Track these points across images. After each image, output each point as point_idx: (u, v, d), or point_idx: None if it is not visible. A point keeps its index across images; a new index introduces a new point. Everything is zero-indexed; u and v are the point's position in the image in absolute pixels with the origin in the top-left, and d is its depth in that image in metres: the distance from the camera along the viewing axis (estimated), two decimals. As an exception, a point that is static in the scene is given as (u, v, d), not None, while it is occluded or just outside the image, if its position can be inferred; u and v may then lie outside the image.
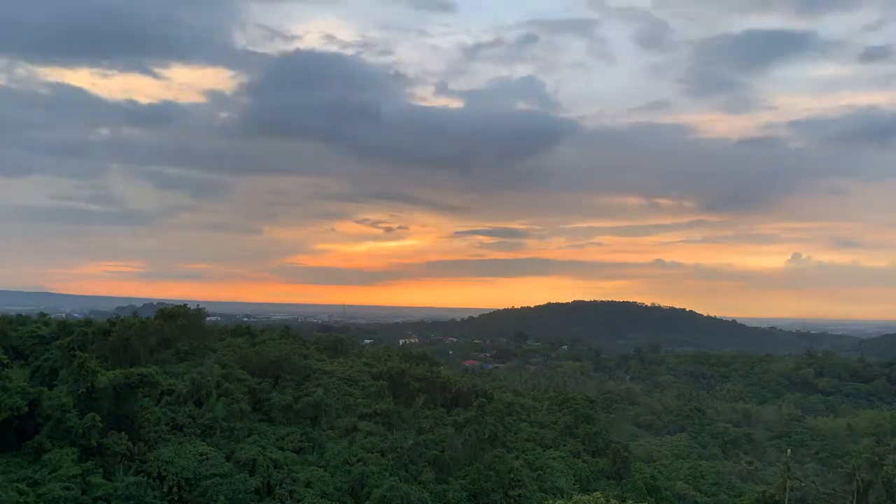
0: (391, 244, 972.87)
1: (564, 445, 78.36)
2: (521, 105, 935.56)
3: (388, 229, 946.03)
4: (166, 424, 52.56)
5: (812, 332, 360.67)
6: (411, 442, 62.44)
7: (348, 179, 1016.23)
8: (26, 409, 44.08)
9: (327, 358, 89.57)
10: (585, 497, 31.32)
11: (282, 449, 56.19)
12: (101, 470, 43.22)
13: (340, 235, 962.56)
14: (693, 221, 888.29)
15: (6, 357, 47.68)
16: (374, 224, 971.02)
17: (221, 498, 44.89)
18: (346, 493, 52.91)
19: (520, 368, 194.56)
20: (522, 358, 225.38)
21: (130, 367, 56.38)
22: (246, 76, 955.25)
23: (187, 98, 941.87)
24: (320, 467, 55.05)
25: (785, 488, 63.62)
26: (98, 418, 44.56)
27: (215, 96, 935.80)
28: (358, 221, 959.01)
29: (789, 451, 77.31)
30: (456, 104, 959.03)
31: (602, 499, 30.99)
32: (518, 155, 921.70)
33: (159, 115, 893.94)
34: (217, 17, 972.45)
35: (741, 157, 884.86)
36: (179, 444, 50.14)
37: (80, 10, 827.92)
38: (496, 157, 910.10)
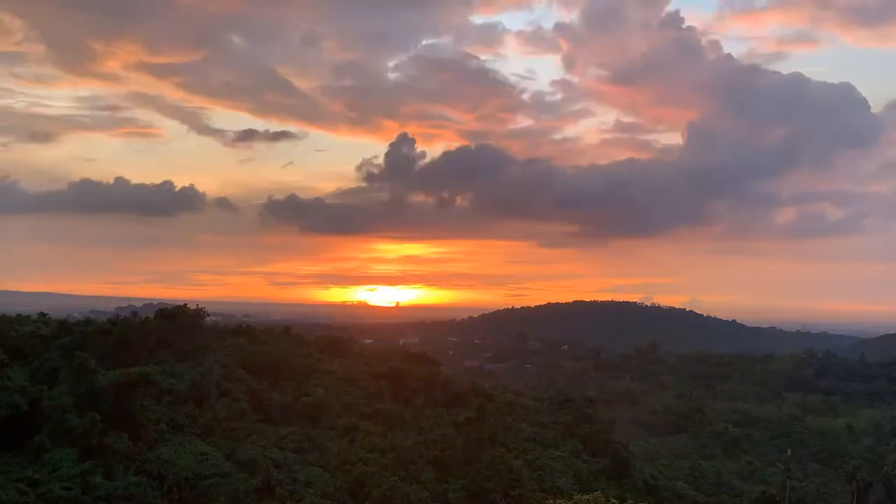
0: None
1: (564, 445, 78.38)
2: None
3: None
4: (166, 424, 52.55)
5: (812, 332, 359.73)
6: (411, 442, 62.50)
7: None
8: (26, 408, 44.11)
9: (327, 358, 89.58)
10: (585, 497, 31.35)
11: (282, 449, 56.23)
12: (101, 470, 43.15)
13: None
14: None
15: (6, 357, 47.75)
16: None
17: (222, 498, 44.90)
18: (347, 492, 52.93)
19: (520, 368, 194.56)
20: (522, 358, 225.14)
21: (130, 367, 56.37)
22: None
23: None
24: (320, 467, 55.11)
25: (785, 488, 63.64)
26: (98, 418, 44.55)
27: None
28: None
29: (789, 451, 77.15)
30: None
31: (602, 499, 31.04)
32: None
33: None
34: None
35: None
36: (179, 444, 50.13)
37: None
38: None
